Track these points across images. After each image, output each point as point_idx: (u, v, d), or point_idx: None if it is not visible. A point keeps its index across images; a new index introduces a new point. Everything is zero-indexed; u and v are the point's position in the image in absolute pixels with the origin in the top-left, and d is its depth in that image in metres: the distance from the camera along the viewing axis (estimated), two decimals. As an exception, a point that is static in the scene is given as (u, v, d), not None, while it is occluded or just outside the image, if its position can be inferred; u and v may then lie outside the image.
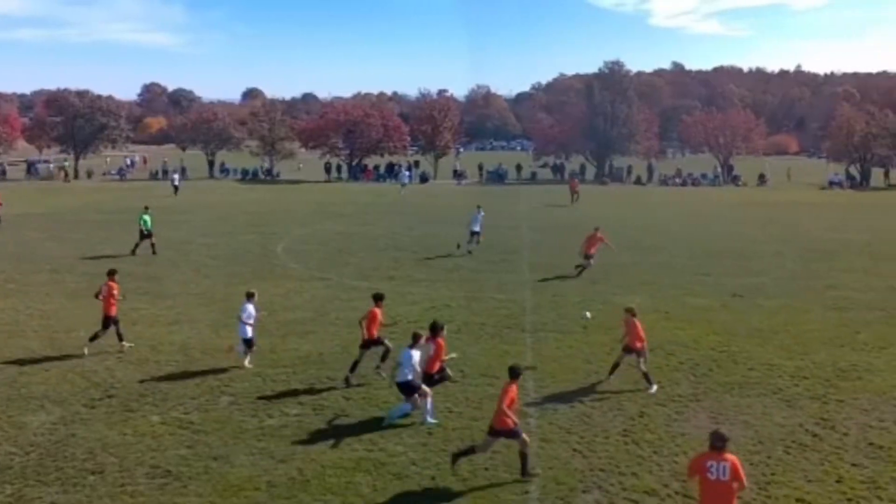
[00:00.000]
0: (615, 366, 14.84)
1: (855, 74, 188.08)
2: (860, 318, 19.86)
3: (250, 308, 15.51)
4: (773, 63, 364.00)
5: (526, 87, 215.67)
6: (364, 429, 12.56)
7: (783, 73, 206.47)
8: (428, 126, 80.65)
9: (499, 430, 10.80)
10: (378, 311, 14.93)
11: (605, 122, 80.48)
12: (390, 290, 21.07)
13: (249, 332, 15.47)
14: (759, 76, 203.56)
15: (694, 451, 11.83)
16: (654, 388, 14.31)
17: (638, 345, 14.42)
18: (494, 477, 10.96)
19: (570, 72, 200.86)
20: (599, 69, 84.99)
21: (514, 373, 11.00)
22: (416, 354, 12.84)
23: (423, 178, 74.15)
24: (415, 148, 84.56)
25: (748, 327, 18.88)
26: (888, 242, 33.37)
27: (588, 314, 18.61)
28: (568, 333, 18.19)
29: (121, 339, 16.60)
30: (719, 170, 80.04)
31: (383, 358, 15.05)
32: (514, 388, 10.82)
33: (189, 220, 39.07)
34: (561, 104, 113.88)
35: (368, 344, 14.84)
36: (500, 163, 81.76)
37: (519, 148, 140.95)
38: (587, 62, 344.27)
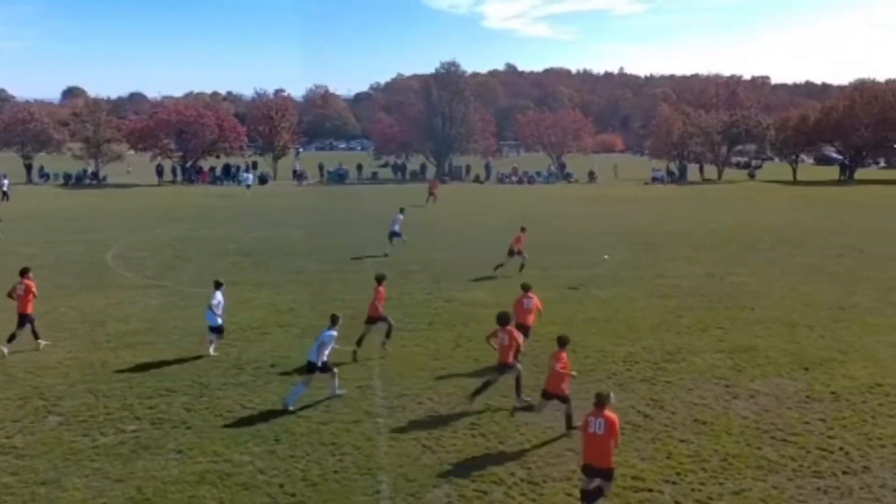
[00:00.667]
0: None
1: (672, 77, 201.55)
2: (683, 304, 21.32)
3: (219, 296, 16.29)
4: (599, 65, 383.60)
5: (365, 87, 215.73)
6: (208, 440, 12.13)
7: (608, 75, 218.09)
8: (265, 126, 78.89)
9: (552, 394, 12.56)
10: (383, 289, 16.90)
11: (443, 121, 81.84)
12: (231, 295, 20.44)
13: (219, 320, 16.30)
14: (586, 77, 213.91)
15: (537, 438, 12.30)
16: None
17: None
18: (345, 479, 10.90)
19: (408, 72, 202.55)
20: (436, 70, 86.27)
21: (563, 341, 12.77)
22: (335, 335, 13.85)
23: (262, 180, 72.46)
24: (252, 149, 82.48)
25: (584, 317, 19.81)
26: (706, 233, 35.98)
27: (606, 256, 20.51)
28: (414, 331, 18.38)
29: (36, 338, 16.84)
30: (553, 167, 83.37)
31: (388, 334, 16.91)
32: (564, 355, 12.54)
33: (6, 227, 36.18)
34: (399, 104, 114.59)
35: (374, 320, 16.66)
36: (341, 163, 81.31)
37: (359, 148, 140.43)
38: (424, 63, 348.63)
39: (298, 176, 76.10)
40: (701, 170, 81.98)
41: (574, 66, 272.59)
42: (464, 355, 16.56)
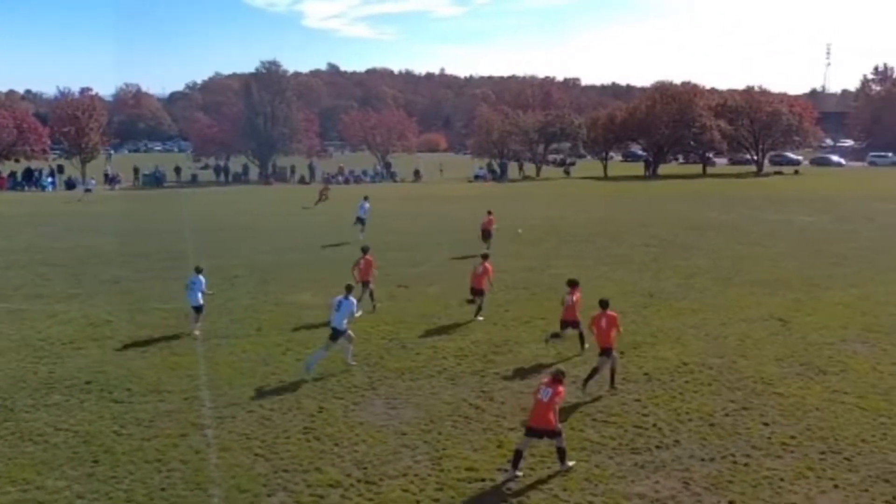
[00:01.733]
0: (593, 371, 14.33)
1: (490, 78, 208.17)
2: (508, 297, 22.07)
3: (202, 279, 18.27)
4: (421, 66, 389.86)
5: (180, 87, 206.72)
6: (16, 467, 11.17)
7: (430, 76, 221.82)
8: (71, 127, 73.80)
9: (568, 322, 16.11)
10: (371, 258, 20.75)
11: (265, 121, 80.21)
12: (39, 310, 18.98)
13: (202, 299, 18.20)
14: (408, 78, 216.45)
15: (372, 438, 12.32)
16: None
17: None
18: (174, 496, 10.40)
19: (226, 71, 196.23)
20: (256, 69, 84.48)
21: (573, 283, 16.50)
22: (356, 301, 16.17)
23: (70, 185, 67.72)
24: (57, 151, 76.93)
25: (414, 314, 20.04)
26: (527, 228, 37.42)
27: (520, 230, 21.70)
28: (242, 338, 17.86)
29: None
30: (379, 167, 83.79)
31: (371, 296, 20.52)
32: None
33: None
34: (219, 104, 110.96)
35: (363, 284, 20.30)
36: (157, 165, 77.67)
37: (177, 149, 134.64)
38: (243, 62, 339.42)
39: (111, 179, 71.85)
40: (520, 167, 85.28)
41: (396, 66, 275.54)
42: (294, 359, 16.28)
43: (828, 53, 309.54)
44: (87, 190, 60.65)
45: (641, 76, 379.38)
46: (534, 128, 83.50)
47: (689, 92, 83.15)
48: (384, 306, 20.72)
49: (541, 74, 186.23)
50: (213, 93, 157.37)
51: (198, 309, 18.21)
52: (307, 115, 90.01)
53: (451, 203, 51.41)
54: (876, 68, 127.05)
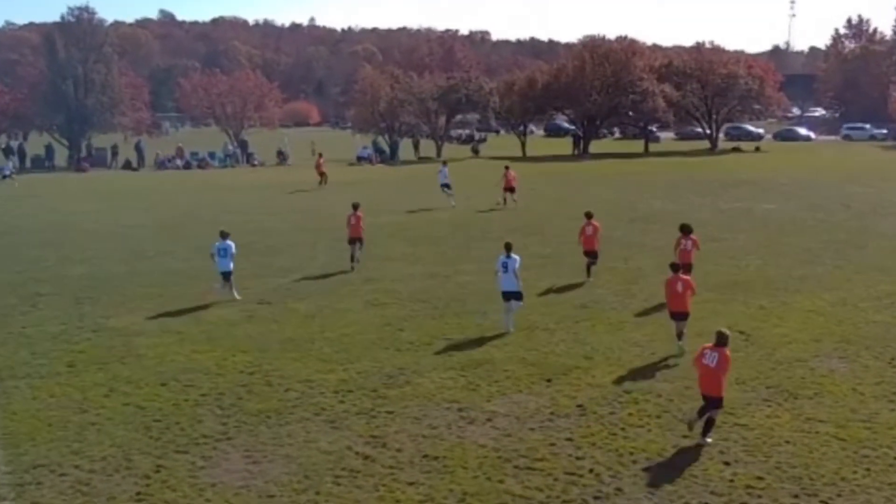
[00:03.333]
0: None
1: (375, 31, 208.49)
2: (403, 313, 22.14)
3: (232, 244, 23.69)
4: (283, 15, 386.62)
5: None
6: None
7: (296, 28, 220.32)
8: None
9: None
10: (361, 214, 27.67)
11: (75, 87, 77.87)
12: None
13: (231, 265, 23.55)
14: (268, 30, 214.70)
15: (229, 501, 12.12)
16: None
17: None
18: None
19: (20, 19, 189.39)
20: (63, 17, 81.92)
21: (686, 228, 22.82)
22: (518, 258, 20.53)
23: None
24: None
25: (281, 339, 19.86)
26: (425, 223, 37.68)
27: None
28: (48, 377, 17.32)
29: None
30: (231, 147, 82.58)
31: (353, 258, 27.52)
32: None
33: None
34: (11, 64, 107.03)
35: (353, 241, 27.44)
36: (-75, 147, 74.21)
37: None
38: (44, 7, 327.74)
39: None
40: (416, 146, 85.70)
41: (251, 15, 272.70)
42: (122, 402, 15.87)
43: (792, 2, 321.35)
44: (5, 176, 59.55)
45: (567, 30, 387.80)
46: (432, 95, 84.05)
47: (626, 50, 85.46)
48: (240, 331, 20.46)
49: (440, 26, 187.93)
50: (2, 49, 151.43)
51: (228, 275, 23.51)
52: (133, 78, 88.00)
53: (327, 193, 51.14)
54: (849, 21, 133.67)
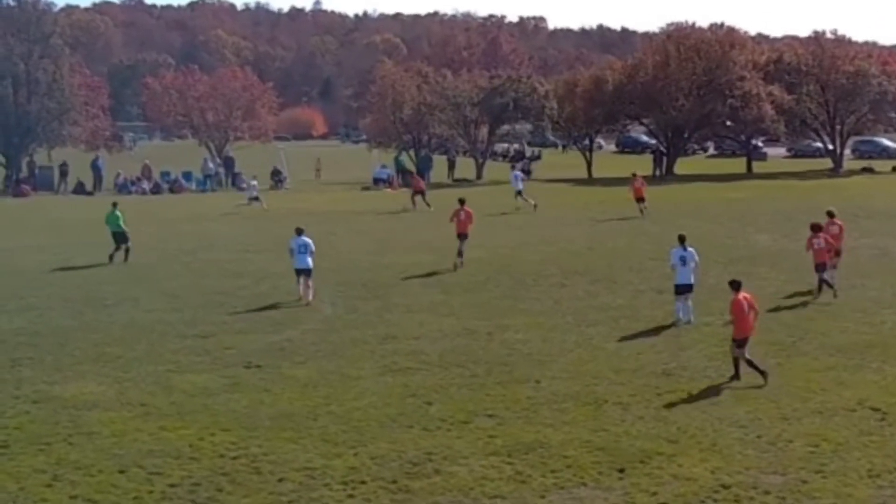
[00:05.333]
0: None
1: (398, 17, 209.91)
2: (431, 381, 22.04)
3: (309, 240, 30.52)
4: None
5: None
6: None
7: (296, 14, 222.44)
8: None
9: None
10: (470, 210, 36.84)
11: (15, 89, 78.96)
12: None
13: (311, 262, 30.51)
14: (260, 16, 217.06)
15: None
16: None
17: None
18: None
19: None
20: (3, 2, 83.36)
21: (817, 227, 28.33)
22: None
23: None
24: None
25: (273, 413, 19.83)
26: (452, 262, 37.60)
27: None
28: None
29: None
30: (212, 164, 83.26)
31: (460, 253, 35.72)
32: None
33: None
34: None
35: (461, 236, 36.28)
36: None
37: None
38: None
39: None
40: (450, 165, 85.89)
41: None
42: (68, 494, 15.91)
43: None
44: None
45: (645, 16, 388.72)
46: (471, 99, 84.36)
47: (723, 41, 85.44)
48: (220, 403, 20.49)
49: (481, 11, 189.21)
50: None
51: (308, 272, 30.11)
52: (88, 78, 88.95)
53: (332, 224, 51.32)
54: None
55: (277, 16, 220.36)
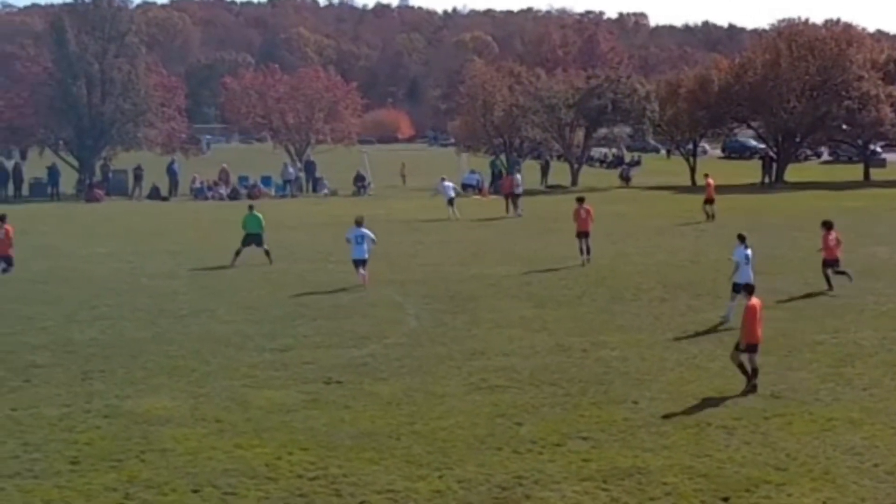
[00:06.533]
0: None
1: (489, 13, 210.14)
2: (522, 400, 21.97)
3: (367, 231, 34.38)
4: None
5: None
6: None
7: (382, 10, 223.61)
8: None
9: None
10: (590, 207, 40.62)
11: (89, 90, 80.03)
12: None
13: (367, 253, 34.56)
14: (344, 13, 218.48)
15: None
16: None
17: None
18: None
19: (20, 2, 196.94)
20: None
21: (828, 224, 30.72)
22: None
23: None
24: None
25: (354, 432, 19.88)
26: (556, 278, 37.49)
27: None
28: (45, 478, 17.66)
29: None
30: (293, 169, 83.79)
31: (582, 251, 39.68)
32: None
33: None
34: (7, 59, 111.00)
35: (581, 234, 39.73)
36: None
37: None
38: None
39: None
40: (544, 171, 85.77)
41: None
42: (139, 515, 16.12)
43: None
44: None
45: (754, 11, 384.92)
46: (566, 100, 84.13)
47: (839, 38, 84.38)
48: (299, 420, 20.61)
49: (577, 7, 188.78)
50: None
51: (363, 263, 34.19)
52: (165, 78, 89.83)
53: (420, 233, 51.52)
54: None
55: (362, 12, 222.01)
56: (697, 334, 28.09)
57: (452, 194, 58.21)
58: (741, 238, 29.26)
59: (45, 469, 18.07)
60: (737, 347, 22.42)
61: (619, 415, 20.95)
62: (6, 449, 19.05)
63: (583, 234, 39.78)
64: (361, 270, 34.57)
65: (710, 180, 56.25)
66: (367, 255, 34.61)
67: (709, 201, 54.55)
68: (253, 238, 40.76)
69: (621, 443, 19.25)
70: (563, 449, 18.96)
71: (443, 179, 61.47)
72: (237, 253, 40.17)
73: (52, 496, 16.89)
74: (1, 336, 28.29)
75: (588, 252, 39.57)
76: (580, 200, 41.37)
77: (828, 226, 33.56)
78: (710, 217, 53.47)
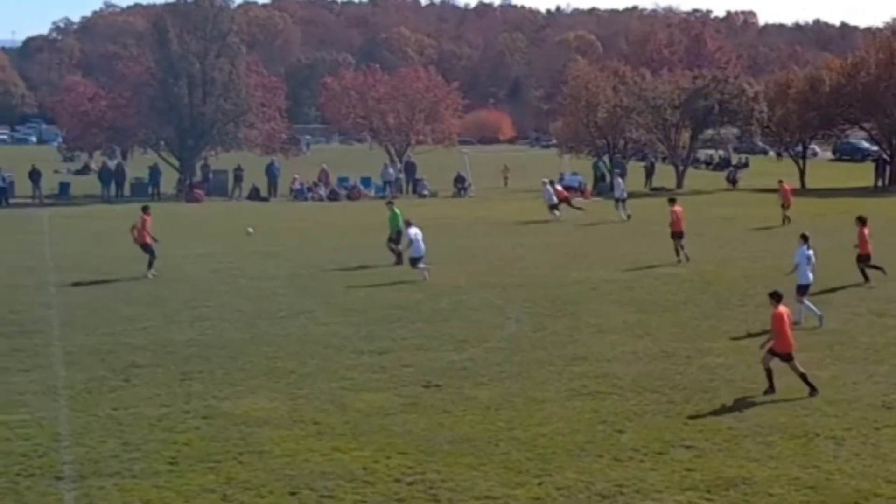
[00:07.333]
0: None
1: (593, 11, 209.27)
2: (624, 407, 21.87)
3: (412, 232, 37.02)
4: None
5: (43, 29, 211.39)
6: None
7: (484, 9, 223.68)
8: None
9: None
10: (680, 209, 41.34)
11: (190, 90, 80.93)
12: None
13: (422, 248, 36.64)
14: (445, 13, 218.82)
15: None
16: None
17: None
18: None
19: (122, 2, 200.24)
20: None
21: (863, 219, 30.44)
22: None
23: None
24: None
25: (453, 437, 19.92)
26: (660, 282, 37.23)
27: (251, 230, 33.63)
28: (144, 477, 17.92)
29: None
30: (393, 170, 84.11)
31: (678, 251, 40.62)
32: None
33: None
34: (109, 58, 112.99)
35: (676, 235, 40.62)
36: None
37: (35, 138, 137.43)
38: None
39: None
40: (648, 173, 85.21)
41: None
42: (238, 516, 16.31)
43: None
44: None
45: (867, 9, 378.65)
46: (672, 101, 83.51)
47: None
48: (397, 424, 20.69)
49: (684, 6, 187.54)
50: (99, 37, 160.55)
51: (419, 259, 36.86)
52: (265, 78, 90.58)
53: (520, 236, 51.47)
54: None
55: (464, 12, 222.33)
56: (806, 342, 27.69)
57: (555, 200, 58.01)
58: (804, 238, 29.70)
59: (144, 469, 18.36)
60: (770, 352, 22.58)
61: (723, 423, 20.77)
62: (107, 448, 19.39)
63: (677, 235, 40.72)
64: (419, 270, 37.17)
65: (786, 185, 56.39)
66: (422, 251, 37.22)
67: (785, 206, 54.19)
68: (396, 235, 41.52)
69: (726, 452, 19.08)
70: (665, 457, 18.85)
71: (545, 182, 60.91)
72: (392, 250, 41.21)
73: (150, 496, 17.14)
74: (103, 336, 28.81)
75: (682, 250, 40.70)
76: (672, 201, 42.33)
77: (862, 221, 34.97)
78: (787, 221, 52.90)
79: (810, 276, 29.06)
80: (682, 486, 17.42)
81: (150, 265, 37.77)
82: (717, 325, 29.98)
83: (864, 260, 34.71)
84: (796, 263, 29.25)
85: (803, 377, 22.22)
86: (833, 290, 34.06)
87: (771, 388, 22.29)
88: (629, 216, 57.17)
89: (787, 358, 22.40)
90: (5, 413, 21.46)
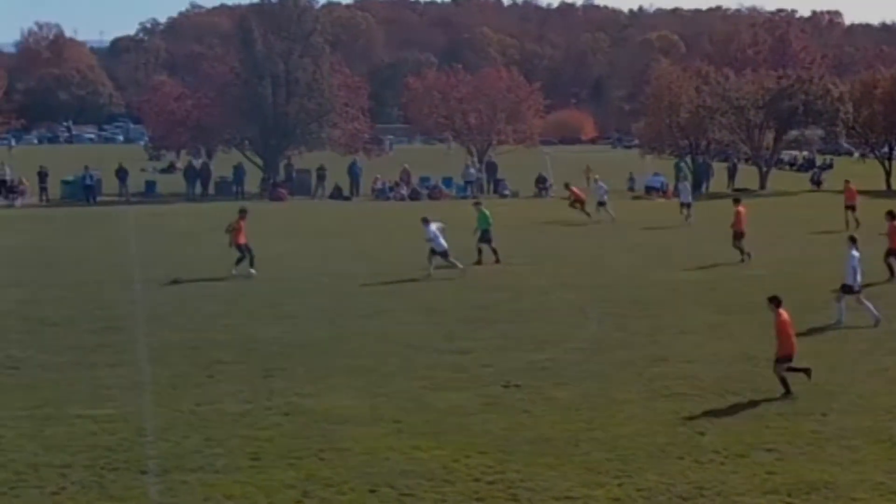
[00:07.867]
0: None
1: (676, 12, 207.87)
2: (705, 409, 21.71)
3: (432, 228, 37.67)
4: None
5: (130, 29, 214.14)
6: None
7: (567, 9, 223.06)
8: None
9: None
10: (743, 209, 41.60)
11: (274, 89, 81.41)
12: None
13: (443, 243, 37.66)
14: (528, 12, 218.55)
15: None
16: None
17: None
18: None
19: (209, 2, 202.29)
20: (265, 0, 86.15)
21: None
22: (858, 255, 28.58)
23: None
24: None
25: (532, 437, 19.91)
26: (743, 284, 36.91)
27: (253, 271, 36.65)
28: (226, 472, 18.10)
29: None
30: (474, 170, 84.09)
31: (742, 252, 41.09)
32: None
33: None
34: (196, 58, 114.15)
35: (737, 235, 41.28)
36: (87, 165, 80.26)
37: (122, 137, 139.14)
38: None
39: (10, 189, 74.32)
40: (731, 173, 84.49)
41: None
42: (318, 513, 16.41)
43: None
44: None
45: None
46: (755, 101, 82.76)
47: None
48: (477, 423, 20.73)
49: (768, 5, 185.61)
50: (185, 38, 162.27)
51: (443, 253, 37.56)
52: (348, 77, 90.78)
53: (604, 236, 51.21)
54: None
55: (546, 12, 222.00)
56: (892, 345, 27.38)
57: (605, 198, 58.65)
58: (853, 240, 30.34)
59: (226, 464, 18.56)
60: (778, 360, 22.70)
61: (806, 427, 20.57)
62: (190, 443, 19.63)
63: (738, 235, 41.28)
64: (443, 261, 38.01)
65: (852, 185, 56.25)
66: (444, 246, 37.89)
67: (850, 207, 53.95)
68: (484, 234, 41.80)
69: (808, 456, 18.90)
70: (746, 460, 18.71)
71: (596, 179, 63.86)
72: (480, 251, 41.60)
73: (232, 491, 17.32)
74: (187, 332, 29.15)
75: (746, 254, 41.15)
76: (736, 202, 43.10)
77: (893, 216, 35.51)
78: (855, 223, 51.55)
79: (859, 278, 29.36)
80: (763, 490, 17.28)
81: (238, 262, 38.47)
82: (799, 328, 29.64)
83: (892, 254, 35.85)
84: (852, 267, 29.46)
85: (783, 380, 22.45)
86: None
87: (787, 392, 22.44)
88: (690, 223, 56.50)
89: (786, 360, 22.58)
90: (92, 407, 21.80)
